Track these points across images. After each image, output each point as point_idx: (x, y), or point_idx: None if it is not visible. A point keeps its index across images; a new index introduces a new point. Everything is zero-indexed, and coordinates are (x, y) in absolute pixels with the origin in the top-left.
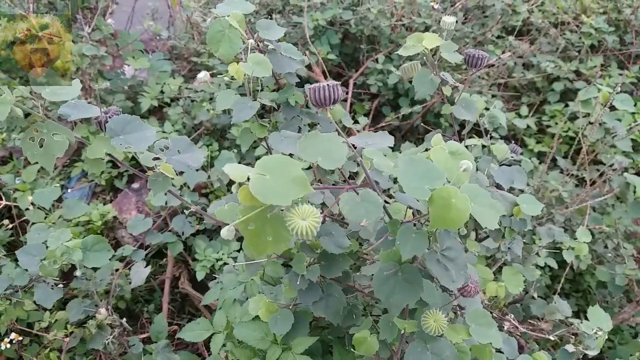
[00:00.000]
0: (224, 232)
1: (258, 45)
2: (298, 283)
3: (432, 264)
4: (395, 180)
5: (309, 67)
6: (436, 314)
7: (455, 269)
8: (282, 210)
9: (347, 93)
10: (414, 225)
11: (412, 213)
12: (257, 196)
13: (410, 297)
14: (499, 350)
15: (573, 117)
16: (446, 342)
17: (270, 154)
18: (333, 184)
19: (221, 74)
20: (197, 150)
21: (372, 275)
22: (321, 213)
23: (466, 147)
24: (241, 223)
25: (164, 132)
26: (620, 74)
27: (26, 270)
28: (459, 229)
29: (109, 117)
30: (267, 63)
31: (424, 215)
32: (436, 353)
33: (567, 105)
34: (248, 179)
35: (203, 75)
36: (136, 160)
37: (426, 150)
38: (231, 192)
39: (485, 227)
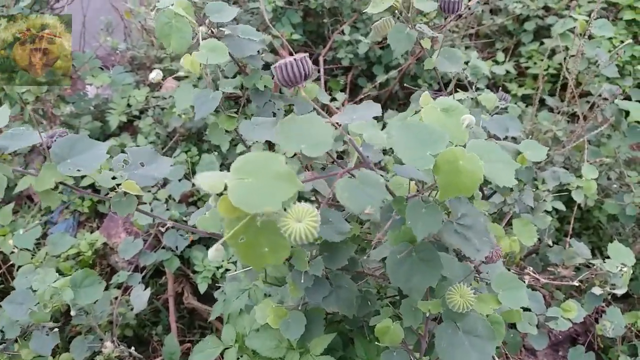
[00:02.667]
0: (211, 254)
1: (212, 31)
2: (303, 281)
3: (451, 236)
4: (385, 152)
5: (274, 51)
6: (461, 288)
7: (476, 237)
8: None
9: (318, 71)
10: (422, 199)
11: (416, 184)
12: (239, 206)
13: (431, 278)
14: (526, 309)
15: (551, 54)
16: (476, 317)
17: (245, 146)
18: (322, 168)
19: (188, 77)
20: (161, 159)
21: (382, 258)
22: (314, 202)
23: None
24: (230, 238)
25: (137, 146)
26: (590, 2)
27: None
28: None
29: (54, 141)
30: (222, 48)
31: (430, 186)
32: (468, 331)
33: (542, 44)
34: (226, 187)
35: (155, 74)
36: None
37: (416, 112)
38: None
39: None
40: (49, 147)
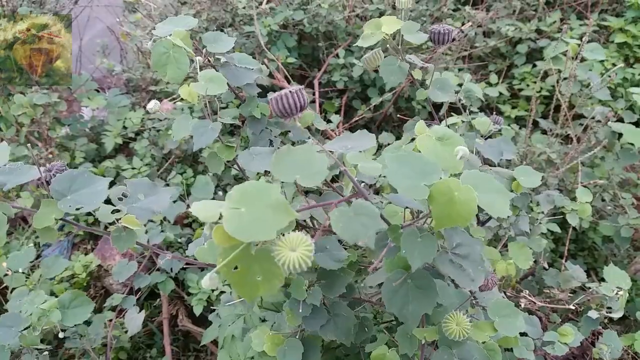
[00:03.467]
0: (205, 282)
1: (209, 61)
2: (300, 310)
3: (445, 266)
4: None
5: (270, 74)
6: (457, 317)
7: (471, 266)
8: (268, 242)
9: (313, 94)
10: (417, 228)
11: (411, 212)
12: (234, 235)
13: (426, 305)
14: (523, 334)
15: (544, 76)
16: (472, 345)
17: (243, 174)
18: (319, 193)
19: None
20: (161, 191)
21: (379, 284)
22: (310, 228)
23: (448, 127)
24: (223, 267)
25: (133, 168)
26: (581, 25)
27: (7, 344)
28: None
29: (53, 176)
30: (220, 78)
31: (425, 214)
32: (464, 358)
33: (534, 66)
34: (221, 216)
35: (153, 105)
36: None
37: (411, 141)
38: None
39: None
40: (47, 182)
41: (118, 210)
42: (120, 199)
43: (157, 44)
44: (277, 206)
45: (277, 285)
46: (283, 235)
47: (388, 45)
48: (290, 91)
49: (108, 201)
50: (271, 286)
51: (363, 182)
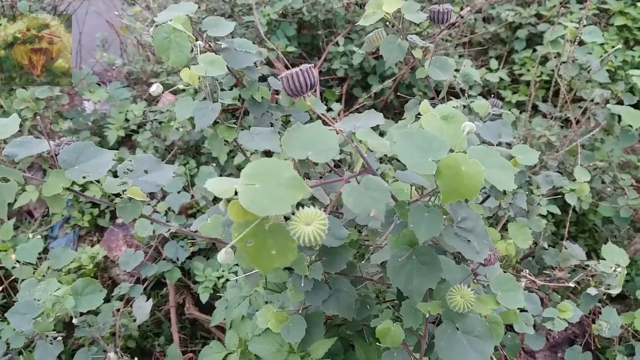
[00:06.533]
0: (221, 256)
1: (209, 45)
2: (302, 285)
3: (452, 239)
4: (381, 160)
5: (270, 63)
6: (462, 289)
7: (476, 240)
8: (281, 218)
9: None
10: (423, 204)
11: (417, 189)
12: (250, 209)
13: (430, 280)
14: (522, 310)
15: (544, 61)
16: (475, 317)
17: (245, 156)
18: (320, 177)
19: (184, 90)
20: (165, 167)
21: (382, 263)
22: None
23: None
24: (239, 242)
25: None
26: (581, 8)
27: (22, 330)
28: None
29: (61, 149)
30: (220, 61)
31: (430, 191)
32: (467, 331)
33: (535, 50)
34: (236, 192)
35: (155, 87)
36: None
37: (416, 119)
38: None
39: (488, 188)
40: (56, 155)
41: (124, 182)
42: (125, 173)
43: (158, 29)
44: (290, 182)
45: (291, 259)
46: (297, 209)
47: (387, 23)
48: (301, 69)
49: (115, 176)
50: (285, 260)
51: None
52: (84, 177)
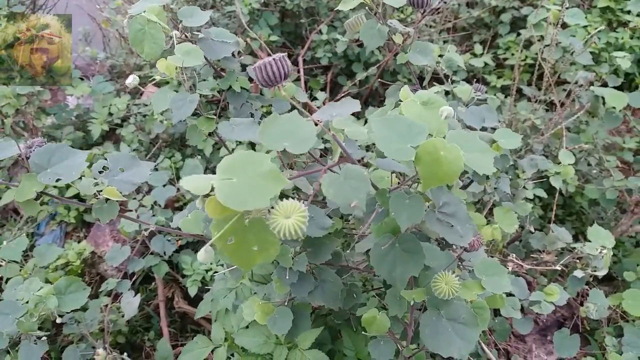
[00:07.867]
0: (201, 255)
1: (185, 36)
2: (287, 277)
3: (434, 225)
4: (367, 148)
5: (252, 53)
6: (446, 276)
7: (459, 224)
8: (263, 212)
9: (298, 71)
10: (404, 191)
11: (397, 177)
12: (227, 204)
13: (413, 268)
14: (509, 294)
15: (527, 45)
16: (459, 303)
17: (227, 149)
18: (302, 167)
19: (168, 82)
20: (141, 164)
21: (366, 251)
22: (296, 199)
23: None
24: (218, 240)
25: None
26: None
27: (5, 331)
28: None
29: (33, 151)
30: (197, 51)
31: (411, 178)
32: (452, 318)
33: (519, 34)
34: (212, 188)
35: (132, 79)
36: None
37: (396, 106)
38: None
39: (471, 173)
40: (27, 158)
41: (98, 184)
42: (100, 172)
43: (132, 21)
44: (268, 174)
45: (273, 254)
46: (276, 203)
47: (369, 10)
48: (273, 59)
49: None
50: (267, 255)
51: (351, 152)
52: (57, 180)
